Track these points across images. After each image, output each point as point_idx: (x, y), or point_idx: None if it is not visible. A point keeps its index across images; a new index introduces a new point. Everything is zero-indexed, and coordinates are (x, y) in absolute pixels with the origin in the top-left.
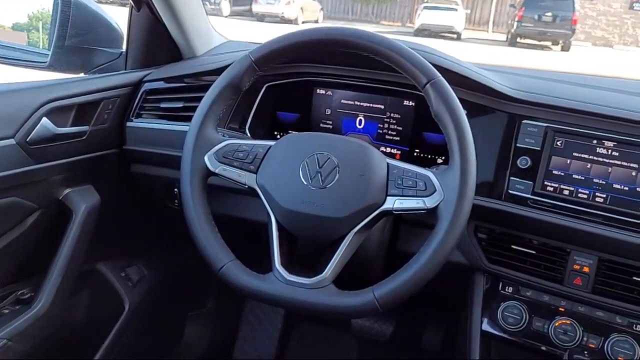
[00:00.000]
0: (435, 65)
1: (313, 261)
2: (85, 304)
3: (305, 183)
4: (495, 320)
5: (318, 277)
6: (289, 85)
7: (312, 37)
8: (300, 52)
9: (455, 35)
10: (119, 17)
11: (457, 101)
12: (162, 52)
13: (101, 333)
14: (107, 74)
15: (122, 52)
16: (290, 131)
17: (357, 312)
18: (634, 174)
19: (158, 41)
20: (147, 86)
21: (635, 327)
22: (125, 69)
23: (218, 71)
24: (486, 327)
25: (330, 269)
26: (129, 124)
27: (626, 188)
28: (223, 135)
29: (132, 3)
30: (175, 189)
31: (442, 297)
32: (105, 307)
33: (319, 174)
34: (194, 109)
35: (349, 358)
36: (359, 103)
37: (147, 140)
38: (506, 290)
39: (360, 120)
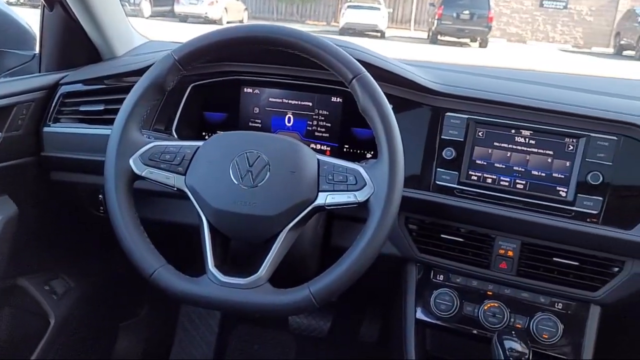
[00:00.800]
0: (360, 61)
1: (248, 261)
2: (7, 322)
3: (236, 182)
4: (429, 308)
5: (253, 276)
6: (215, 84)
7: (236, 35)
8: (225, 50)
9: (379, 34)
10: (31, 19)
11: (383, 96)
12: (79, 53)
13: (25, 351)
14: (19, 77)
15: (35, 54)
16: (218, 131)
17: (294, 309)
18: (549, 160)
19: (74, 42)
20: (64, 89)
21: (557, 305)
22: (40, 72)
23: (140, 71)
24: (420, 315)
25: (265, 267)
26: (46, 129)
27: (543, 174)
28: (148, 137)
29: (43, 2)
30: (100, 196)
31: (377, 289)
32: (29, 324)
33: (250, 173)
34: (116, 111)
35: (287, 357)
36: (287, 101)
37: (66, 146)
38: (437, 278)
39: (289, 117)
